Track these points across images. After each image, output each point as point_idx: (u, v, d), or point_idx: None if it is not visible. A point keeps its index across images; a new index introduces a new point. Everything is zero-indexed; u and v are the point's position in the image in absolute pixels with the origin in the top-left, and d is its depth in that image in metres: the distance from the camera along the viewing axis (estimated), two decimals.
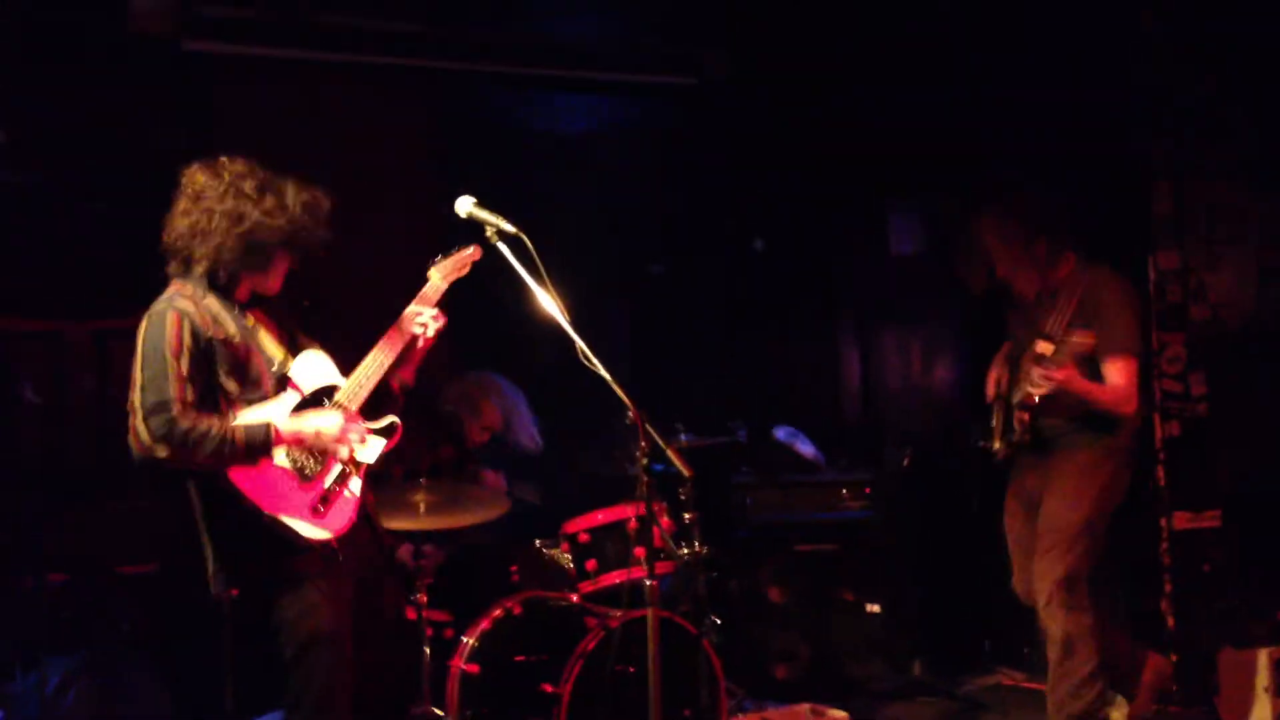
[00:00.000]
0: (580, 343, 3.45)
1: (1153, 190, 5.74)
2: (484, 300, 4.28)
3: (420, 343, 3.85)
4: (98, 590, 5.42)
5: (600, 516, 4.91)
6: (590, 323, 6.71)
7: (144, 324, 3.43)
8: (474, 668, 4.67)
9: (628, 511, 4.86)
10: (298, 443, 3.42)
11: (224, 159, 3.57)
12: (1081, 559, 4.71)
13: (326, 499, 3.45)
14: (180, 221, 3.51)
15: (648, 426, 3.36)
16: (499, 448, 5.73)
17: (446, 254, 4.02)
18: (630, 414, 3.36)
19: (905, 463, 6.25)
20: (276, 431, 3.40)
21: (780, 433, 6.45)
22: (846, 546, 6.09)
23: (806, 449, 6.38)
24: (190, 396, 3.35)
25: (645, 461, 3.38)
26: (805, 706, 4.91)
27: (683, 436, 5.56)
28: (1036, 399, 4.56)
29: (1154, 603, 5.57)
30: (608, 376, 3.39)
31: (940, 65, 6.45)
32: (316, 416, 3.48)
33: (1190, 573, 5.53)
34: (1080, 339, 4.40)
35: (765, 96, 7.06)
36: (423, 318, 3.81)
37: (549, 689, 4.30)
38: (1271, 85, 5.75)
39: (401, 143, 6.39)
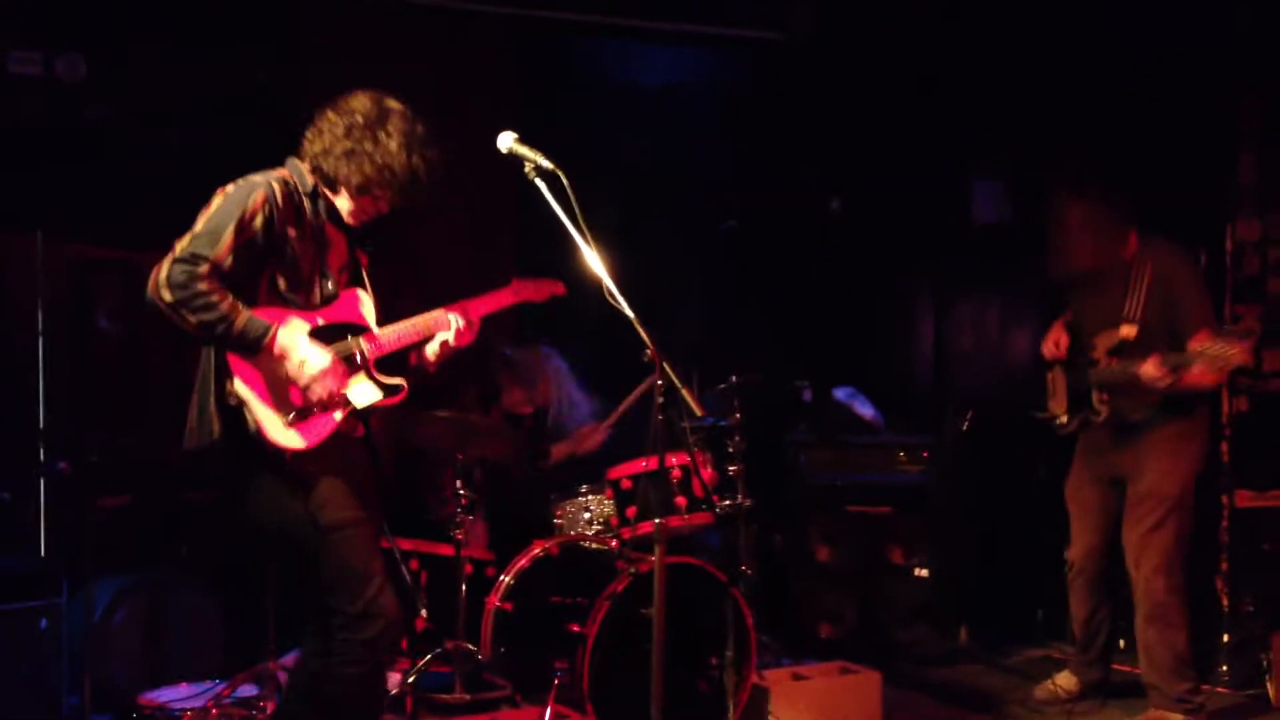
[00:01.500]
0: (609, 281, 3.42)
1: (1239, 159, 5.59)
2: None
3: (450, 343, 3.84)
4: (161, 514, 5.58)
5: (644, 464, 4.92)
6: (662, 276, 6.83)
7: (232, 186, 3.45)
8: (509, 605, 4.74)
9: (670, 460, 4.87)
10: (283, 359, 3.42)
11: (390, 99, 3.66)
12: (1184, 529, 4.75)
13: (304, 413, 3.43)
14: (319, 121, 3.61)
15: (665, 365, 3.34)
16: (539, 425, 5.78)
17: (534, 276, 4.13)
18: (649, 352, 3.34)
19: (964, 426, 6.15)
20: (274, 336, 3.39)
21: (840, 393, 6.41)
22: (899, 510, 6.03)
23: (865, 410, 6.33)
24: (229, 265, 3.34)
25: (662, 400, 3.35)
26: (837, 664, 4.87)
27: (735, 387, 5.51)
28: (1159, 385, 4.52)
29: (1209, 581, 5.45)
30: (631, 316, 3.37)
31: (1030, 30, 6.32)
32: (311, 349, 3.46)
33: (1249, 552, 5.39)
34: (1219, 351, 4.34)
35: (850, 56, 6.97)
36: (457, 328, 3.81)
37: (576, 629, 4.34)
38: None
39: (482, 88, 6.42)
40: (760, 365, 6.15)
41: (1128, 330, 4.75)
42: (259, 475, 3.45)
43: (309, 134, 3.64)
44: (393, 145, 3.59)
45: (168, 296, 3.26)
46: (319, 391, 3.45)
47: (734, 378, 5.25)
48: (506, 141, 3.62)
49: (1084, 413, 4.96)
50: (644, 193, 6.81)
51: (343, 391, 3.53)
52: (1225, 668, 5.33)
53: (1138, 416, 4.79)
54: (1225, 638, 5.35)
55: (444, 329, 3.81)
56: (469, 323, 3.84)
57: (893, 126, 6.93)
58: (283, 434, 3.40)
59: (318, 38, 6.07)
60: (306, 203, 3.58)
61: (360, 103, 3.63)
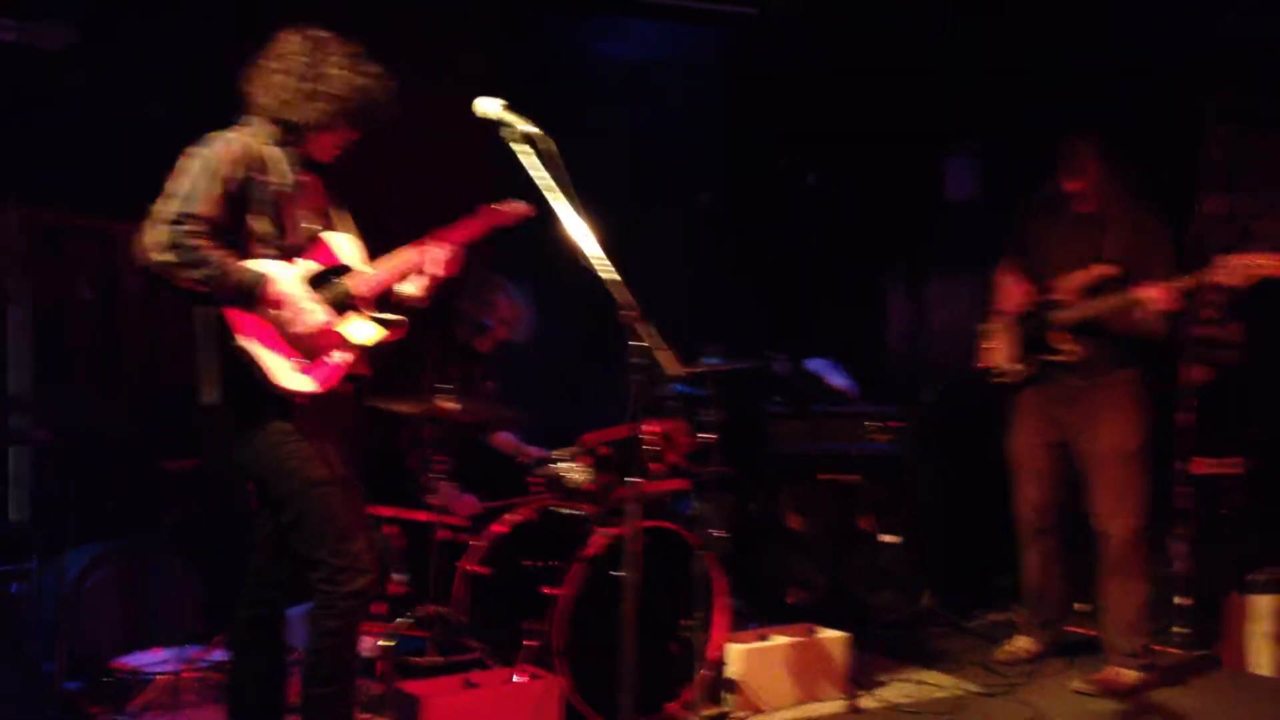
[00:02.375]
0: (594, 245, 3.44)
1: (1208, 135, 5.67)
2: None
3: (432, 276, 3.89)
4: (142, 482, 5.62)
5: (619, 431, 5.00)
6: (637, 248, 6.87)
7: (195, 148, 3.48)
8: (484, 570, 4.83)
9: (646, 428, 4.94)
10: (279, 307, 3.46)
11: (316, 29, 3.67)
12: (1147, 483, 4.97)
13: (312, 354, 3.50)
14: (260, 74, 3.62)
15: (640, 327, 3.39)
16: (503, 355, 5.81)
17: (500, 202, 4.15)
18: (625, 314, 3.39)
19: (935, 398, 6.26)
20: (268, 285, 3.43)
21: (813, 363, 6.49)
22: (870, 479, 6.14)
23: (838, 380, 6.41)
24: (214, 218, 3.38)
25: (635, 361, 3.40)
26: (804, 626, 4.98)
27: (707, 360, 5.60)
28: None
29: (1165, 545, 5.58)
30: (618, 278, 3.41)
31: (1003, 8, 6.38)
32: (310, 302, 3.52)
33: (1205, 517, 5.52)
34: (1252, 260, 4.53)
35: (827, 32, 7.03)
36: (441, 257, 3.85)
37: (549, 591, 4.42)
38: None
39: (461, 63, 6.44)
40: (737, 336, 6.28)
41: (1104, 269, 4.91)
42: (258, 427, 3.49)
43: (254, 89, 3.62)
44: (336, 72, 3.60)
45: (161, 258, 3.30)
46: (315, 342, 3.51)
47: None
48: (494, 107, 3.63)
49: (1039, 357, 5.08)
50: (619, 166, 6.86)
51: (338, 332, 3.58)
52: (1182, 629, 5.48)
53: (1090, 357, 4.97)
54: (1179, 600, 5.49)
55: (427, 260, 3.83)
56: (454, 249, 3.87)
57: (867, 103, 7.00)
58: (293, 378, 3.47)
59: (288, 18, 6.07)
60: (275, 152, 3.59)
61: (291, 44, 3.63)
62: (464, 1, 6.48)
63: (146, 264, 3.32)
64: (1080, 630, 5.53)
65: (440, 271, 3.86)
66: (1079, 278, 4.99)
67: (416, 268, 3.83)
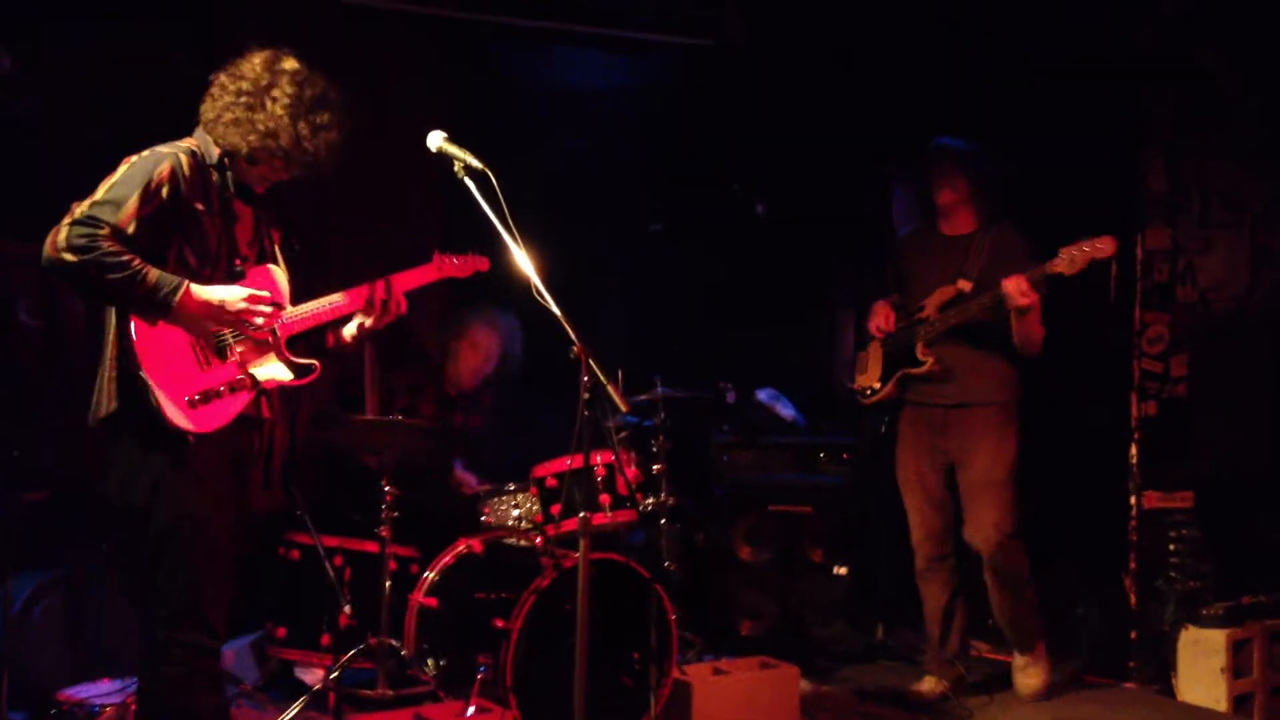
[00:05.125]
0: (536, 280, 3.46)
1: (1147, 166, 5.73)
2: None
3: (369, 323, 3.83)
4: (80, 509, 5.52)
5: (567, 462, 4.96)
6: (589, 276, 6.87)
7: (137, 156, 3.41)
8: (432, 601, 4.76)
9: (595, 458, 4.92)
10: (203, 308, 3.36)
11: (286, 58, 3.60)
12: (1017, 503, 5.09)
13: (207, 397, 3.39)
14: (213, 88, 3.55)
15: (591, 362, 3.38)
16: (486, 390, 5.78)
17: (459, 253, 4.16)
18: (575, 349, 3.39)
19: (882, 429, 6.25)
20: (188, 290, 3.32)
21: (762, 394, 6.51)
22: (820, 509, 6.14)
23: (787, 411, 6.43)
24: (132, 231, 3.27)
25: (587, 396, 3.39)
26: (757, 660, 4.95)
27: (659, 389, 5.60)
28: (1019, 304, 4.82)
29: (1117, 579, 5.61)
30: (558, 313, 3.42)
31: (948, 41, 6.44)
32: (225, 290, 3.42)
33: (1156, 551, 5.55)
34: (1048, 265, 4.76)
35: (779, 63, 7.06)
36: (374, 305, 3.79)
37: (500, 624, 4.37)
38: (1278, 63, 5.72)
39: (408, 92, 6.42)
40: (684, 365, 6.27)
41: (964, 284, 5.07)
42: (142, 453, 3.35)
43: (205, 100, 3.56)
44: (278, 110, 3.50)
45: (70, 258, 3.19)
46: (259, 315, 3.44)
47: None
48: (436, 140, 3.64)
49: (902, 371, 5.20)
50: (572, 195, 6.85)
51: (249, 370, 3.50)
52: (1133, 663, 5.50)
53: (956, 378, 5.10)
54: (1133, 635, 5.52)
55: (359, 307, 3.77)
56: (391, 299, 3.79)
57: (816, 132, 7.03)
58: (181, 416, 3.33)
59: (232, 41, 6.03)
60: (214, 174, 3.52)
61: (251, 66, 3.55)
62: (415, 32, 6.45)
63: (53, 261, 3.21)
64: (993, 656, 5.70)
65: (371, 321, 3.80)
66: (941, 293, 5.13)
67: (345, 312, 3.78)
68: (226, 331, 3.50)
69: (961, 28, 6.37)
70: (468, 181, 3.53)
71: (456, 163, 3.57)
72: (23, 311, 5.74)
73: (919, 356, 5.14)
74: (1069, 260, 4.73)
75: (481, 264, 4.25)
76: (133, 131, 5.50)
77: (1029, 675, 5.21)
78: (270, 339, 3.59)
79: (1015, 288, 4.79)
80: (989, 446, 5.06)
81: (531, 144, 6.63)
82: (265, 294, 3.54)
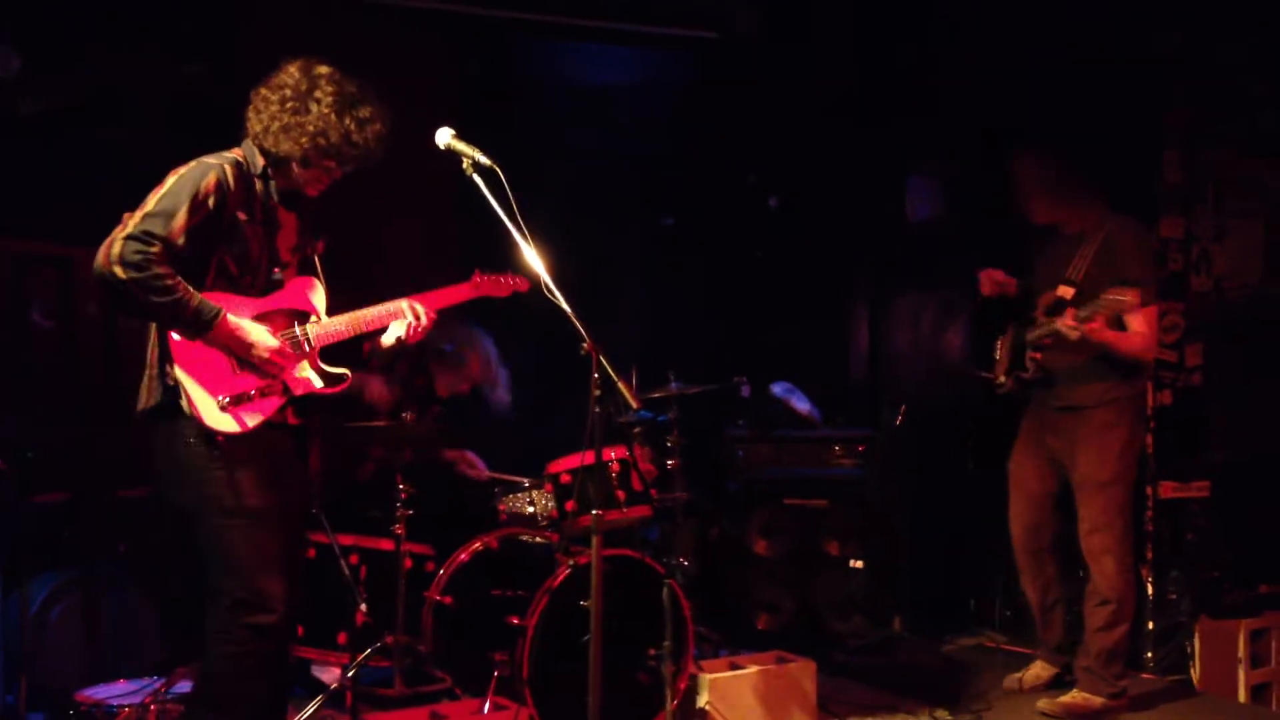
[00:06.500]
0: (545, 276, 3.47)
1: (1163, 158, 5.71)
2: None
3: (404, 335, 3.88)
4: (98, 511, 5.54)
5: (582, 458, 4.96)
6: (602, 272, 6.87)
7: (185, 167, 3.48)
8: (448, 599, 4.77)
9: (609, 454, 4.92)
10: (233, 341, 3.47)
11: (318, 64, 3.65)
12: (1125, 513, 4.89)
13: (239, 400, 3.49)
14: (256, 100, 3.62)
15: (601, 359, 3.38)
16: (476, 405, 5.78)
17: (496, 271, 4.20)
18: (585, 346, 3.39)
19: (898, 420, 6.25)
20: (224, 319, 3.43)
21: (776, 388, 6.49)
22: (836, 503, 6.11)
23: (802, 405, 6.42)
24: (182, 244, 3.36)
25: (598, 393, 3.40)
26: (773, 654, 4.95)
27: (673, 385, 5.59)
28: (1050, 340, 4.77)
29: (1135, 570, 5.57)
30: (567, 309, 3.43)
31: (961, 29, 6.42)
32: (258, 332, 3.53)
33: (1173, 541, 5.53)
34: (1118, 296, 4.54)
35: (789, 55, 7.05)
36: (410, 323, 3.85)
37: (515, 621, 4.37)
38: None
39: (422, 87, 6.41)
40: (699, 359, 6.27)
41: (1065, 290, 4.92)
42: (181, 451, 3.45)
43: (249, 114, 3.64)
44: (324, 109, 3.58)
45: (121, 274, 3.26)
46: (277, 370, 3.53)
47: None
48: (444, 137, 3.65)
49: (1016, 373, 5.09)
50: (585, 190, 6.86)
51: (283, 376, 3.58)
52: (1150, 654, 5.48)
53: (1061, 378, 4.95)
54: (1150, 625, 5.50)
55: (398, 320, 3.84)
56: (426, 315, 3.87)
57: (830, 124, 7.02)
58: (216, 418, 3.44)
59: (256, 32, 6.05)
60: (258, 184, 3.60)
61: (289, 75, 3.63)
62: (426, 27, 6.45)
63: (105, 274, 3.27)
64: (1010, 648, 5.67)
65: (407, 335, 3.86)
66: (1048, 296, 5.01)
67: (382, 324, 3.84)
68: None
69: (982, 20, 6.35)
70: (476, 178, 3.54)
71: (465, 159, 3.58)
72: (36, 312, 5.76)
73: (1025, 363, 5.04)
74: (1105, 306, 4.58)
75: (521, 285, 4.29)
76: (142, 136, 5.63)
77: (1075, 695, 4.97)
78: (304, 347, 3.65)
79: (1063, 323, 4.72)
80: (1093, 448, 4.91)
81: (543, 139, 6.64)
82: (293, 353, 3.61)
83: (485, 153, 3.56)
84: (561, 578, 4.40)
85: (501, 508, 5.38)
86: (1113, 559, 4.86)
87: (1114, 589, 4.86)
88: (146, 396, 3.52)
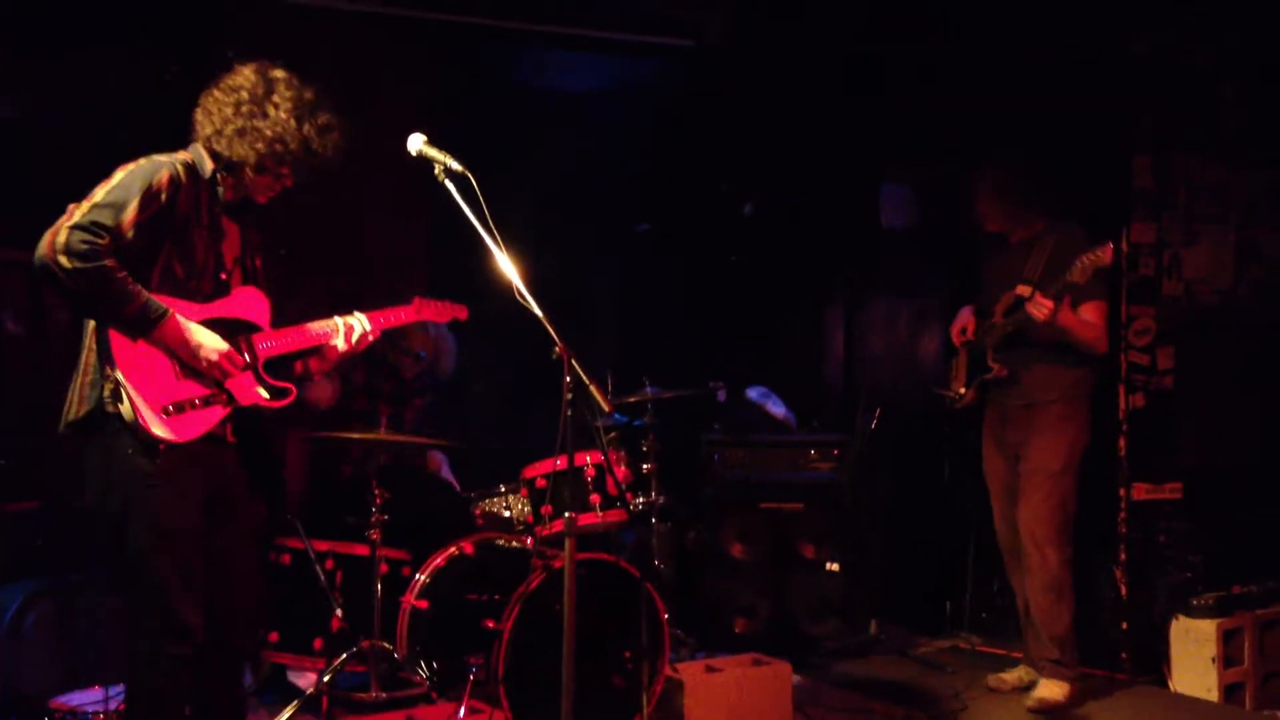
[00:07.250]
0: (518, 281, 3.46)
1: (1133, 163, 5.75)
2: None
3: (343, 350, 3.86)
4: (71, 518, 5.50)
5: (557, 462, 4.96)
6: (577, 278, 6.87)
7: (134, 163, 3.40)
8: (424, 604, 4.76)
9: (584, 459, 4.92)
10: (178, 343, 3.37)
11: (275, 68, 3.60)
12: (1069, 503, 5.05)
13: (181, 407, 3.39)
14: (207, 101, 3.55)
15: (574, 362, 3.38)
16: (429, 381, 5.75)
17: (437, 298, 4.23)
18: (557, 350, 3.39)
19: (874, 424, 6.27)
20: (172, 318, 3.34)
21: (752, 392, 6.50)
22: (811, 506, 6.11)
23: (777, 409, 6.43)
24: (130, 238, 3.28)
25: (569, 397, 3.39)
26: (749, 657, 4.95)
27: (649, 389, 5.60)
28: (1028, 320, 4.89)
29: (1108, 571, 5.62)
30: (540, 314, 3.43)
31: (933, 37, 6.44)
32: (207, 334, 3.44)
33: (1146, 542, 5.57)
34: (1091, 254, 4.70)
35: (762, 63, 7.07)
36: (348, 334, 3.83)
37: (490, 625, 4.36)
38: (1267, 64, 5.73)
39: (398, 94, 6.41)
40: (675, 365, 6.27)
41: (1023, 288, 5.06)
42: (114, 460, 3.33)
43: (198, 116, 3.57)
44: (282, 115, 3.52)
45: (66, 264, 3.17)
46: (224, 374, 3.45)
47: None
48: (416, 144, 3.64)
49: (979, 377, 5.22)
50: (559, 196, 6.85)
51: (228, 385, 3.51)
52: (1125, 655, 5.51)
53: (1023, 375, 5.09)
54: (1124, 625, 5.53)
55: (336, 337, 3.81)
56: (366, 333, 3.86)
57: (803, 132, 7.03)
58: (157, 424, 3.32)
59: (234, 39, 6.03)
60: (205, 189, 3.53)
61: (244, 77, 3.56)
62: (400, 34, 6.44)
63: (48, 264, 3.18)
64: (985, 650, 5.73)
65: (344, 347, 3.84)
66: (1006, 298, 5.14)
67: (326, 339, 3.81)
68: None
69: (953, 25, 6.37)
70: (448, 184, 3.53)
71: (437, 165, 3.57)
72: (7, 318, 5.72)
73: (989, 363, 5.17)
74: (1081, 269, 4.72)
75: (460, 313, 4.35)
76: (120, 139, 5.58)
77: (1044, 688, 5.05)
78: (248, 359, 3.59)
79: (1032, 305, 4.85)
80: (1048, 439, 5.05)
81: (518, 147, 6.63)
82: (243, 358, 3.56)
83: (457, 158, 3.56)
84: (537, 582, 4.40)
85: (478, 512, 5.38)
86: (1054, 548, 5.01)
87: (1056, 578, 5.01)
88: (78, 405, 3.37)
